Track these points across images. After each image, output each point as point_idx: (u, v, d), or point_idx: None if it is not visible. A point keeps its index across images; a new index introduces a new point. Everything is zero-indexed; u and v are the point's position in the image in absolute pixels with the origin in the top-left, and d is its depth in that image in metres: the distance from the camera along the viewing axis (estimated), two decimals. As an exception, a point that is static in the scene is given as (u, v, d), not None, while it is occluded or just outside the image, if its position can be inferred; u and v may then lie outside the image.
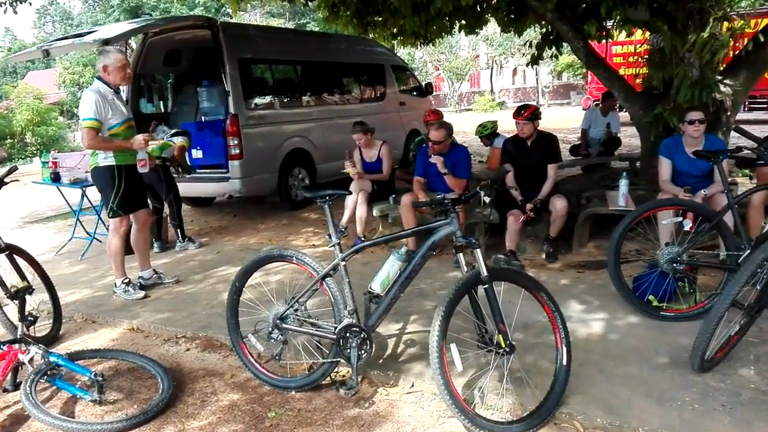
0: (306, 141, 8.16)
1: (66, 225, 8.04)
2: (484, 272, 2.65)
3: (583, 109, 18.01)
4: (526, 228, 5.27)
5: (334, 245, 3.06)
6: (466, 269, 2.78)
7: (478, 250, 2.69)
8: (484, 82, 39.88)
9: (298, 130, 8.09)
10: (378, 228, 6.10)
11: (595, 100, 18.26)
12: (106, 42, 5.85)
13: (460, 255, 2.80)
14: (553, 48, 6.97)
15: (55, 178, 6.45)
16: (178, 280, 5.21)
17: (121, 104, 4.66)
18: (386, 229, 5.96)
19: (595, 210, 5.19)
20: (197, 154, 7.48)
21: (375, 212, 5.87)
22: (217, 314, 4.16)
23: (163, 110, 8.62)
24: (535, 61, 6.94)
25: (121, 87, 4.76)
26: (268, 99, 7.96)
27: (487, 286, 2.64)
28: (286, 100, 8.37)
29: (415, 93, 11.01)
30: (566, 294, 4.19)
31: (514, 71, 39.55)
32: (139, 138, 4.60)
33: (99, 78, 4.62)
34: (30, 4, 8.45)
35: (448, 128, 5.21)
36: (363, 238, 5.92)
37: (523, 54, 35.37)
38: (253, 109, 7.44)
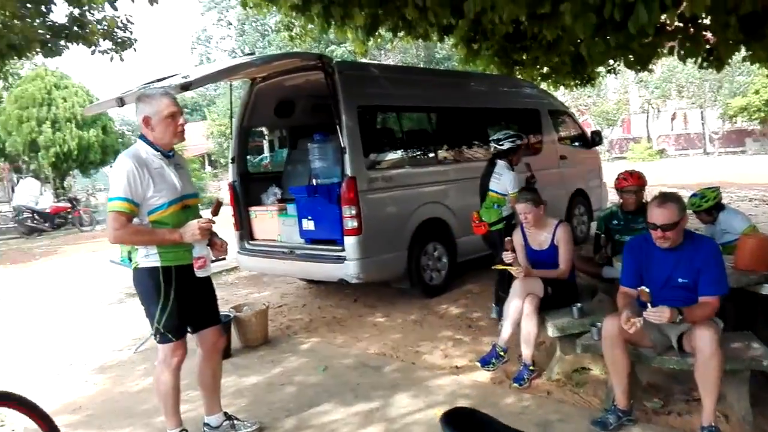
0: (442, 208, 6.39)
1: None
2: None
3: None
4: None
5: None
6: None
7: None
8: (636, 128, 36.16)
9: (433, 193, 6.36)
10: (555, 349, 4.07)
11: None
12: (185, 87, 4.52)
13: None
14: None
15: (134, 259, 5.15)
16: (261, 429, 3.54)
17: (174, 174, 3.13)
18: (568, 355, 3.91)
19: None
20: (308, 225, 5.96)
21: (550, 330, 3.87)
22: None
23: (273, 170, 7.33)
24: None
25: (175, 147, 3.24)
26: (395, 155, 6.32)
27: None
28: (418, 155, 6.70)
29: (578, 143, 8.90)
30: None
31: (674, 115, 35.40)
32: (194, 226, 3.02)
33: (141, 137, 3.14)
34: (135, 50, 7.73)
35: (680, 203, 3.13)
36: (532, 367, 3.93)
37: (683, 96, 31.69)
38: (375, 168, 5.82)
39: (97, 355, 5.27)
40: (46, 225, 16.34)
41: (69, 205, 16.88)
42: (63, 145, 19.06)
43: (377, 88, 6.17)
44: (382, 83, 6.34)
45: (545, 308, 4.03)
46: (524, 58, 9.31)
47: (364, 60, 10.13)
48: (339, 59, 25.01)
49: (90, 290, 8.09)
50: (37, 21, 7.02)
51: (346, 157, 5.46)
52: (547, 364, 4.05)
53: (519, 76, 9.48)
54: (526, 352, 3.94)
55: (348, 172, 5.46)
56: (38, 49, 7.25)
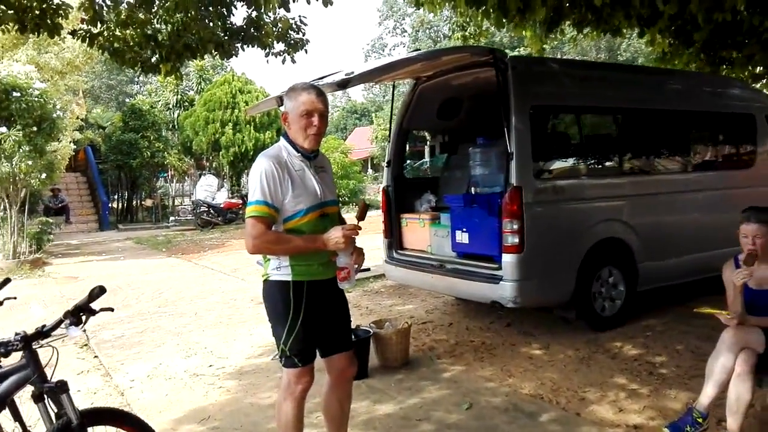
0: (623, 226, 5.43)
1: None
2: None
3: None
4: None
5: None
6: None
7: None
8: None
9: (614, 209, 5.44)
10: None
11: None
12: (344, 84, 4.17)
13: None
14: None
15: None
16: (388, 476, 3.02)
17: (316, 178, 2.74)
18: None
19: None
20: (462, 237, 5.36)
21: (775, 401, 2.88)
22: None
23: (431, 175, 6.84)
24: None
25: (319, 149, 2.82)
26: (570, 163, 5.50)
27: None
28: (598, 164, 5.80)
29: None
30: None
31: None
32: (337, 234, 2.61)
33: (284, 135, 2.79)
34: (306, 51, 7.63)
35: None
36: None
37: None
38: (545, 178, 5.06)
39: (236, 358, 5.11)
40: (219, 219, 17.50)
41: (240, 201, 17.89)
42: (241, 145, 20.39)
43: (556, 87, 5.37)
44: (563, 80, 5.51)
45: (764, 367, 3.04)
46: (734, 55, 7.94)
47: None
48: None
49: (244, 287, 8.18)
50: (218, 23, 7.18)
51: (512, 163, 4.76)
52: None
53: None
54: (733, 421, 2.98)
55: (513, 181, 4.76)
56: (213, 51, 7.45)
